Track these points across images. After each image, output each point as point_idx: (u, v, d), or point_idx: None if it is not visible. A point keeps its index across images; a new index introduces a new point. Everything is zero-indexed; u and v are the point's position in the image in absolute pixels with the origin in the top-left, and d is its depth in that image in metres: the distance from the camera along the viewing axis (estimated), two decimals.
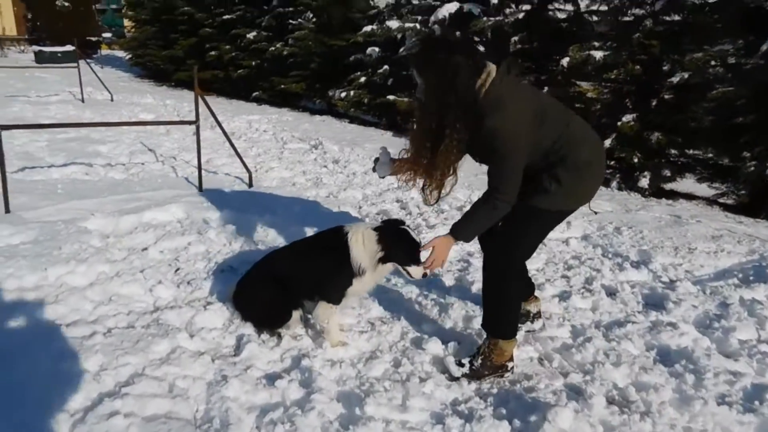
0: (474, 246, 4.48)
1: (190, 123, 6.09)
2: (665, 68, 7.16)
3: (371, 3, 12.19)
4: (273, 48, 14.20)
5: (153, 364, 2.73)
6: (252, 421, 2.43)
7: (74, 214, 4.86)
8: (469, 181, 6.24)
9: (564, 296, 3.84)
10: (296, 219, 5.18)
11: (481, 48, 9.88)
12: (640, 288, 4.09)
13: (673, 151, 7.47)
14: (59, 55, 22.39)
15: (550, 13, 9.30)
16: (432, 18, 9.66)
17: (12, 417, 2.32)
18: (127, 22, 29.30)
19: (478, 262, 4.23)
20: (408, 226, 3.07)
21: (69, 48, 21.02)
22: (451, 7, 9.43)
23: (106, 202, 5.32)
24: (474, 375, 2.81)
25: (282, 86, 14.14)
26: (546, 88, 8.52)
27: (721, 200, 7.28)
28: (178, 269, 4.02)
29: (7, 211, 4.81)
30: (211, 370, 2.76)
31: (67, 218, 4.74)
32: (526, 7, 9.07)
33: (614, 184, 7.49)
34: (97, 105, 12.18)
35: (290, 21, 13.94)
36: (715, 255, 4.84)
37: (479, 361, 2.82)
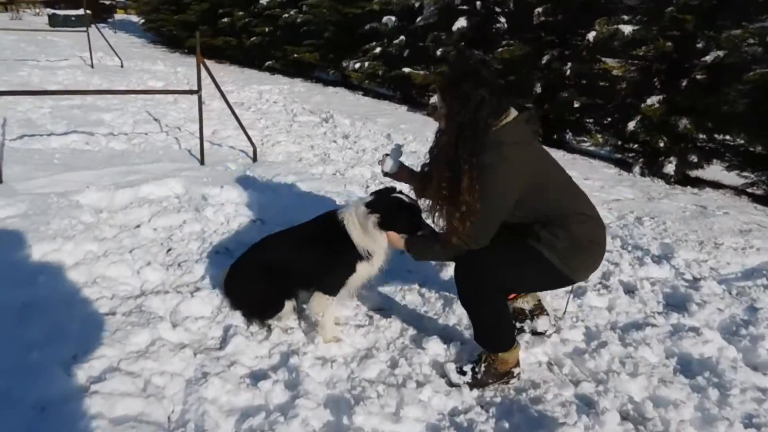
0: None
1: (191, 92, 5.82)
2: (699, 46, 6.69)
3: None
4: (287, 15, 13.79)
5: (129, 358, 2.54)
6: (230, 427, 2.24)
7: (68, 187, 4.67)
8: None
9: (579, 292, 3.57)
10: (299, 198, 4.94)
11: (503, 22, 9.43)
12: (661, 286, 3.81)
13: (701, 136, 7.06)
14: (73, 18, 22.12)
15: None
16: None
17: None
18: None
19: None
20: (401, 192, 2.81)
21: (83, 12, 20.70)
22: None
23: (103, 175, 5.12)
24: (477, 384, 2.58)
25: (295, 55, 13.77)
26: (569, 64, 8.08)
27: (749, 190, 6.89)
28: (169, 249, 3.82)
29: (0, 181, 4.64)
30: (192, 366, 2.56)
31: (61, 191, 4.55)
32: None
33: (636, 169, 7.12)
34: (107, 71, 11.95)
35: None
36: (743, 252, 4.52)
37: (482, 368, 2.59)
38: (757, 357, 2.98)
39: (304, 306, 3.01)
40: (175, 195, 4.83)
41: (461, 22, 9.37)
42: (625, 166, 7.50)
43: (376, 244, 2.73)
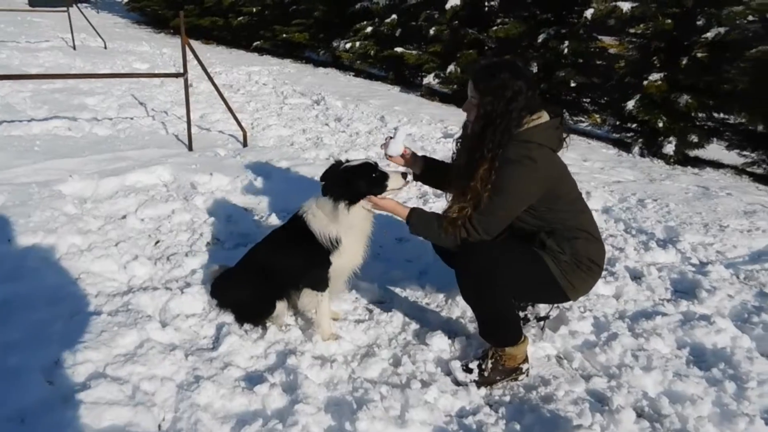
0: None
1: (177, 75, 5.58)
2: (699, 23, 6.52)
3: None
4: None
5: (116, 362, 2.38)
6: None
7: (50, 175, 4.46)
8: None
9: None
10: (292, 184, 4.77)
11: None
12: (668, 272, 3.70)
13: (701, 115, 6.93)
14: None
15: None
16: None
17: None
18: None
19: None
20: (347, 161, 2.60)
21: None
22: None
23: (87, 162, 4.91)
24: (484, 382, 2.45)
25: (285, 35, 13.43)
26: (566, 43, 7.88)
27: (749, 169, 6.79)
28: (158, 242, 3.65)
29: None
30: (183, 369, 2.41)
31: (42, 180, 4.34)
32: None
33: (636, 149, 6.99)
34: (90, 53, 11.56)
35: None
36: (749, 234, 4.42)
37: (489, 365, 2.46)
38: None
39: (296, 298, 2.86)
40: (162, 183, 4.64)
41: (454, 1, 9.11)
42: (624, 146, 7.37)
43: (345, 229, 2.54)
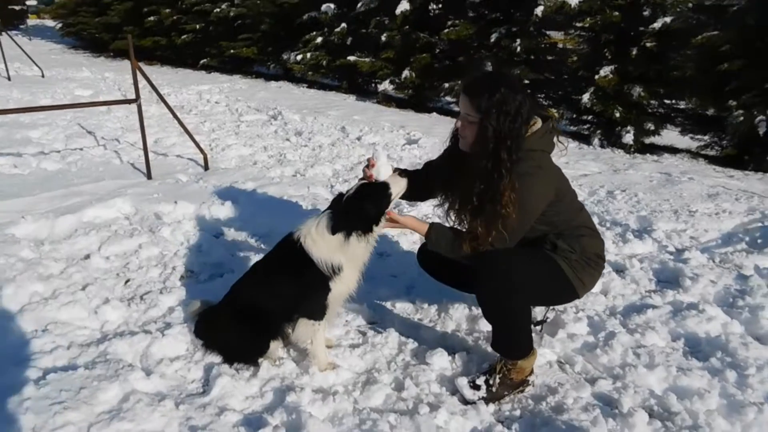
0: None
1: (129, 102, 5.32)
2: (645, 13, 6.71)
3: None
4: (218, 9, 13.14)
5: (100, 420, 2.18)
6: None
7: (0, 218, 4.15)
8: None
9: None
10: (261, 206, 4.60)
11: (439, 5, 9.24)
12: (649, 262, 3.75)
13: (653, 102, 7.13)
14: None
15: None
16: None
17: None
18: None
19: None
20: (347, 192, 2.47)
21: None
22: None
23: (39, 201, 4.60)
24: (492, 397, 2.38)
25: (232, 51, 13.15)
26: (518, 41, 7.98)
27: (703, 152, 7.03)
28: (128, 281, 3.43)
29: None
30: (175, 421, 2.23)
31: None
32: None
33: (596, 141, 7.13)
34: (26, 82, 11.00)
35: None
36: (717, 217, 4.55)
37: (497, 380, 2.39)
38: (760, 328, 2.93)
39: (290, 331, 2.71)
40: (124, 216, 4.39)
41: (404, 5, 9.11)
42: (583, 138, 7.51)
43: (348, 257, 2.44)
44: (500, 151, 2.20)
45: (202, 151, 5.67)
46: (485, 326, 2.94)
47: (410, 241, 4.07)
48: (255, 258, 3.72)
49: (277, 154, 6.36)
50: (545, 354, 2.73)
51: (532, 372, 2.50)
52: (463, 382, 2.42)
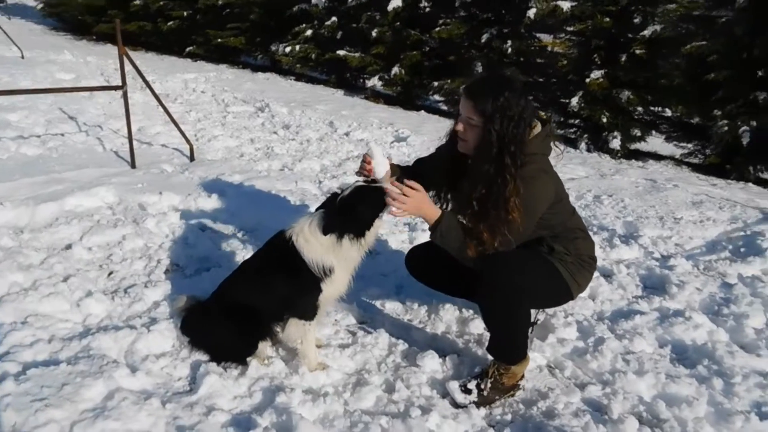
0: None
1: (115, 88, 5.20)
2: (636, 21, 6.77)
3: None
4: None
5: (84, 419, 2.12)
6: None
7: None
8: None
9: None
10: (248, 200, 4.53)
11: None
12: (636, 268, 3.78)
13: (639, 109, 7.21)
14: None
15: None
16: None
17: None
18: None
19: None
20: (339, 189, 2.44)
21: None
22: None
23: (19, 187, 4.46)
24: (484, 401, 2.38)
25: (219, 40, 12.96)
26: (509, 42, 7.99)
27: (687, 159, 7.13)
28: (111, 273, 3.35)
29: None
30: (162, 420, 2.18)
31: None
32: None
33: (583, 145, 7.19)
34: (5, 63, 10.67)
35: None
36: (701, 224, 4.60)
37: (488, 384, 2.38)
38: (744, 337, 2.97)
39: (279, 330, 2.67)
40: (107, 206, 4.28)
41: (396, 2, 9.06)
42: (570, 142, 7.56)
43: (341, 259, 2.41)
44: (504, 156, 2.18)
45: (188, 141, 5.56)
46: (475, 329, 2.94)
47: (400, 240, 4.05)
48: (242, 252, 3.67)
49: (265, 147, 6.28)
50: (535, 358, 2.73)
51: (523, 377, 2.50)
52: (454, 385, 2.41)
